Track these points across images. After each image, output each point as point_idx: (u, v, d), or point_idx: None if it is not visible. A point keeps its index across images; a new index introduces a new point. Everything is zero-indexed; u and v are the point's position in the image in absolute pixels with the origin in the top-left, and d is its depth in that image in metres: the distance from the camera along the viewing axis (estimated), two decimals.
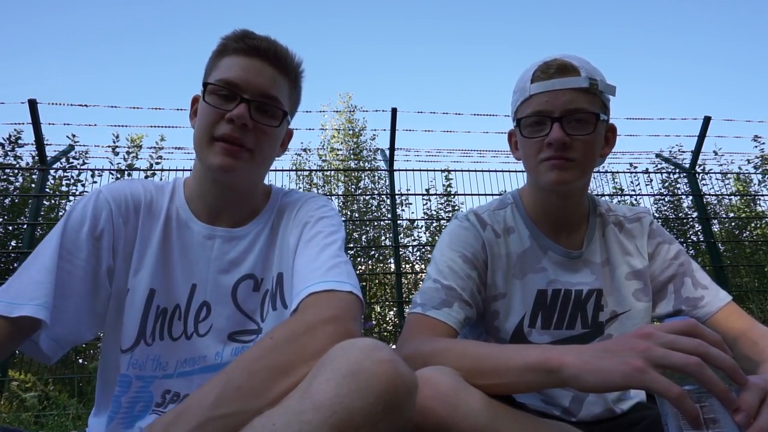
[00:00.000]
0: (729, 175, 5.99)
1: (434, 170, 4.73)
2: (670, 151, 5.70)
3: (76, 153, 4.91)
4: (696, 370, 0.53)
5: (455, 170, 4.70)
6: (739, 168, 6.09)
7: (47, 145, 3.98)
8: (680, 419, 0.57)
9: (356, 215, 5.46)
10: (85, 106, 4.08)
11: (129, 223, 0.86)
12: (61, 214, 4.81)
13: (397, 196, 4.39)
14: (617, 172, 5.28)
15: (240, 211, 0.92)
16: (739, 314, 0.96)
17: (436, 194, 5.10)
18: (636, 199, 5.30)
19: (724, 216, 5.88)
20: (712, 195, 5.79)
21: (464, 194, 4.55)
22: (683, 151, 5.51)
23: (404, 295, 4.22)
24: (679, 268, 1.03)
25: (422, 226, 5.47)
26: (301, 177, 5.26)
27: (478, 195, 4.44)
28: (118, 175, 4.81)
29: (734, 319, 0.95)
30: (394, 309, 4.74)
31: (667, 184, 5.89)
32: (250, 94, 0.84)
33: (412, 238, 5.53)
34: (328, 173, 5.60)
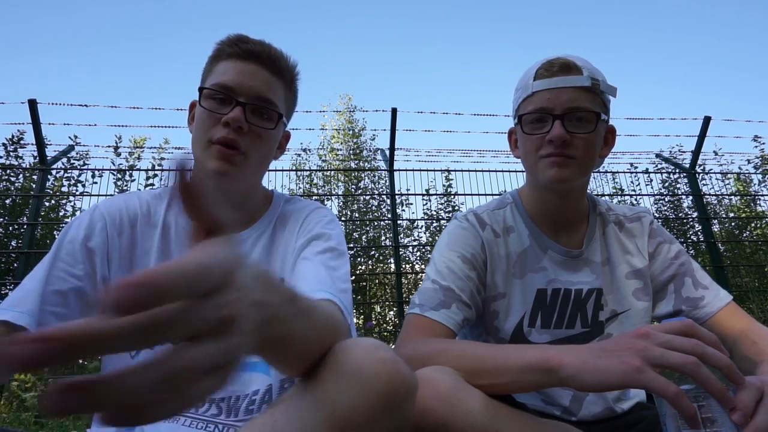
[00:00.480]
0: (729, 175, 5.99)
1: (434, 170, 4.73)
2: (670, 151, 5.69)
3: (77, 153, 4.91)
4: (693, 370, 0.53)
5: (455, 170, 4.71)
6: (739, 168, 6.09)
7: (47, 145, 3.98)
8: (678, 419, 0.57)
9: (356, 215, 5.46)
10: (85, 106, 4.08)
11: (123, 235, 0.87)
12: (61, 214, 4.82)
13: (397, 196, 4.40)
14: (617, 172, 5.28)
15: (239, 216, 0.92)
16: (740, 314, 0.96)
17: (436, 194, 5.10)
18: (636, 199, 5.31)
19: (724, 216, 5.88)
20: (712, 195, 5.79)
21: (464, 194, 4.55)
22: (683, 151, 5.51)
23: (404, 295, 4.22)
24: (679, 268, 1.04)
25: (422, 226, 5.47)
26: (301, 177, 5.26)
27: (478, 195, 4.44)
28: (120, 176, 4.81)
29: (735, 319, 0.95)
30: (394, 309, 4.74)
31: (667, 184, 5.89)
32: (245, 98, 0.85)
33: (412, 238, 5.54)
34: (327, 173, 5.60)
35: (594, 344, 0.64)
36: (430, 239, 5.23)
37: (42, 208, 3.91)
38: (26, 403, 2.67)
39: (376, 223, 5.48)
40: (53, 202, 4.71)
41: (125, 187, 4.84)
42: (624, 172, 5.25)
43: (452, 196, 5.24)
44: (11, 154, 5.13)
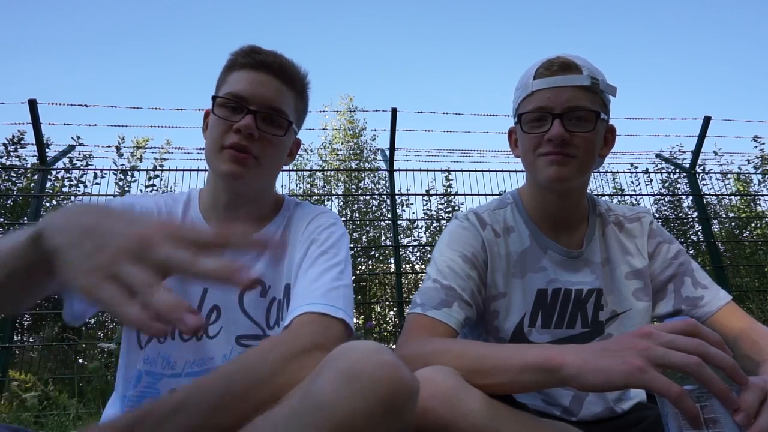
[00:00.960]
0: (729, 175, 5.99)
1: (434, 170, 4.73)
2: (670, 151, 5.70)
3: (79, 154, 4.91)
4: (696, 370, 0.53)
5: (455, 170, 4.70)
6: (739, 168, 6.09)
7: (48, 145, 3.98)
8: (680, 419, 0.57)
9: (356, 215, 5.46)
10: (85, 106, 4.08)
11: None
12: None
13: (397, 197, 4.39)
14: (617, 172, 5.28)
15: (250, 219, 0.95)
16: (739, 314, 0.96)
17: (436, 194, 5.10)
18: (636, 199, 5.31)
19: (724, 216, 5.88)
20: (712, 195, 5.79)
21: (464, 194, 4.55)
22: (683, 151, 5.51)
23: (404, 295, 4.22)
24: (679, 268, 1.04)
25: (422, 226, 5.47)
26: (301, 177, 5.26)
27: (478, 195, 4.45)
28: (121, 176, 4.81)
29: (734, 319, 0.95)
30: (394, 309, 4.74)
31: (667, 184, 5.89)
32: (257, 106, 0.89)
33: (412, 238, 5.54)
34: (328, 173, 5.60)
35: (596, 344, 0.64)
36: (430, 239, 5.23)
37: (42, 209, 3.91)
38: (26, 404, 2.67)
39: (376, 223, 5.48)
40: (54, 202, 4.70)
41: (127, 188, 4.84)
42: (624, 172, 5.26)
43: (452, 196, 5.24)
44: (11, 154, 5.13)
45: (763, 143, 6.16)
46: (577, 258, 1.02)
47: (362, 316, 4.81)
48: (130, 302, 0.39)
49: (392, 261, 4.47)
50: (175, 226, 0.45)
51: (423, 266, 4.97)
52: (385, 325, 5.05)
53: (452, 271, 0.95)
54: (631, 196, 5.29)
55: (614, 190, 5.44)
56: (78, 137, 4.45)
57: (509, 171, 4.54)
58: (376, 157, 6.58)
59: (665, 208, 5.83)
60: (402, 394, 0.53)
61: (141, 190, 4.61)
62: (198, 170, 4.18)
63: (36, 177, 3.97)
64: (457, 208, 5.32)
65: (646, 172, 5.29)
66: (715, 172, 5.66)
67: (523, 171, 1.08)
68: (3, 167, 5.07)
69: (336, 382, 0.52)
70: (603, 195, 5.17)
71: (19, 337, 4.84)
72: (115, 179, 4.79)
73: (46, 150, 3.94)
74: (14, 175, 5.07)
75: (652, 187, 5.44)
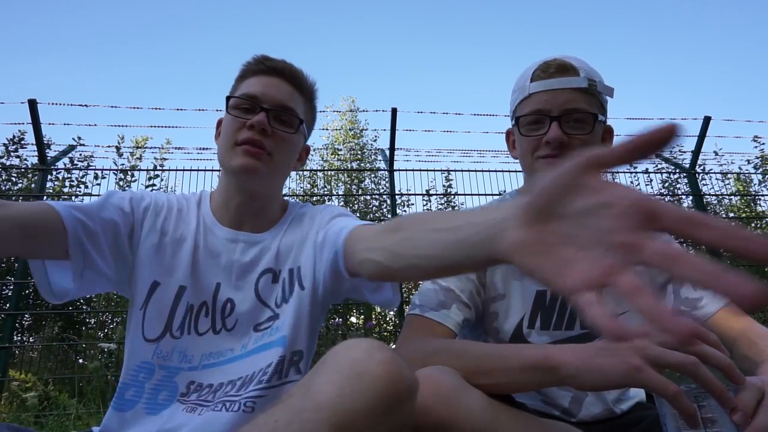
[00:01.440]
0: (729, 175, 5.99)
1: (434, 170, 4.73)
2: (671, 151, 5.69)
3: (80, 154, 4.91)
4: (693, 369, 0.53)
5: (455, 170, 4.71)
6: (739, 168, 6.09)
7: (48, 145, 3.98)
8: (678, 419, 0.57)
9: (357, 215, 5.45)
10: (86, 106, 4.08)
11: (160, 218, 0.93)
12: None
13: (397, 197, 4.40)
14: (617, 172, 5.28)
15: (261, 220, 0.98)
16: (738, 315, 0.96)
17: (436, 194, 5.10)
18: None
19: (724, 216, 5.88)
20: (712, 195, 5.79)
21: (464, 194, 4.55)
22: (683, 151, 5.51)
23: (404, 295, 4.22)
24: None
25: None
26: (302, 177, 5.27)
27: (478, 195, 4.45)
28: (122, 176, 4.81)
29: (733, 320, 0.95)
30: (394, 309, 4.74)
31: (667, 184, 5.89)
32: (269, 105, 0.93)
33: None
34: (328, 173, 5.60)
35: (594, 344, 0.64)
36: None
37: None
38: (26, 403, 2.67)
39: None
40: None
41: (127, 188, 4.84)
42: (624, 172, 5.25)
43: (452, 197, 5.24)
44: (12, 154, 5.13)
45: (763, 143, 6.16)
46: None
47: (362, 316, 4.81)
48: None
49: None
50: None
51: None
52: (385, 325, 5.05)
53: None
54: None
55: None
56: (78, 137, 4.45)
57: (509, 171, 4.55)
58: (376, 157, 6.58)
59: None
60: (402, 391, 0.54)
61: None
62: (198, 170, 4.19)
63: (36, 177, 3.97)
64: (457, 208, 5.32)
65: (646, 172, 5.29)
66: (715, 172, 5.67)
67: (522, 171, 1.07)
68: (3, 167, 5.08)
69: (337, 381, 0.52)
70: None
71: (19, 337, 4.85)
72: (116, 179, 4.79)
73: (47, 150, 3.94)
74: (14, 175, 5.08)
75: (652, 187, 5.44)
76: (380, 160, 5.69)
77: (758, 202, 6.04)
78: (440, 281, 0.94)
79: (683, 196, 5.60)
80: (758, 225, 5.67)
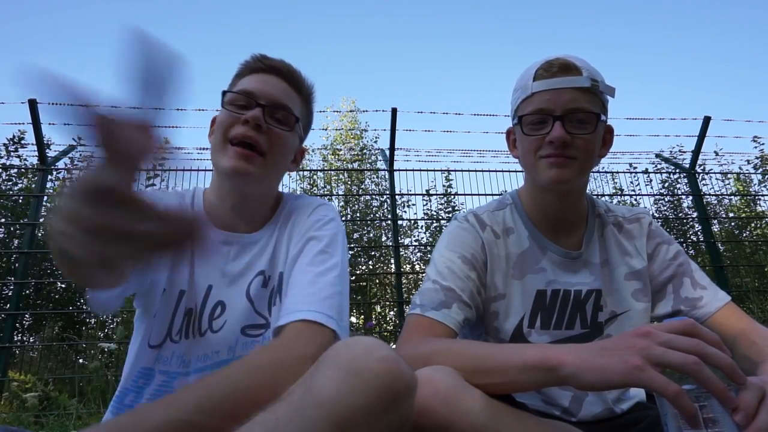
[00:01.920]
0: (729, 175, 5.99)
1: (434, 170, 4.73)
2: (670, 151, 5.69)
3: (80, 154, 4.90)
4: (694, 369, 0.53)
5: (455, 170, 4.70)
6: (739, 168, 6.09)
7: (48, 145, 3.98)
8: (679, 419, 0.57)
9: (357, 215, 5.46)
10: (86, 106, 4.06)
11: None
12: None
13: (397, 197, 4.39)
14: (617, 172, 5.27)
15: (254, 219, 0.96)
16: (738, 314, 0.96)
17: (436, 194, 5.10)
18: (636, 200, 5.30)
19: (724, 216, 5.88)
20: (712, 195, 5.79)
21: (464, 194, 4.55)
22: (683, 152, 5.51)
23: (404, 295, 4.22)
24: (678, 269, 1.04)
25: (422, 226, 5.47)
26: (302, 177, 5.26)
27: (478, 195, 4.44)
28: None
29: (733, 320, 0.95)
30: (395, 309, 4.74)
31: (667, 184, 5.89)
32: (265, 101, 0.91)
33: (413, 238, 5.54)
34: (329, 173, 5.60)
35: (594, 343, 0.64)
36: (431, 239, 5.23)
37: (43, 209, 3.91)
38: (26, 404, 2.67)
39: (376, 224, 5.48)
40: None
41: None
42: (624, 172, 5.25)
43: (452, 197, 5.24)
44: (12, 154, 5.13)
45: (763, 143, 6.17)
46: (576, 259, 1.02)
47: (362, 316, 4.81)
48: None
49: (392, 261, 4.47)
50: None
51: (423, 266, 4.97)
52: (385, 325, 5.05)
53: (451, 272, 0.95)
54: (630, 196, 5.29)
55: (614, 191, 5.43)
56: (79, 137, 4.43)
57: (509, 171, 4.54)
58: (377, 157, 6.58)
59: (665, 208, 5.83)
60: (401, 389, 0.54)
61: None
62: (198, 170, 4.19)
63: (36, 177, 3.97)
64: (457, 208, 5.32)
65: (646, 172, 5.28)
66: (715, 172, 5.66)
67: (522, 171, 1.07)
68: (3, 167, 5.08)
69: (337, 378, 0.53)
70: (603, 195, 5.17)
71: (19, 337, 4.85)
72: None
73: (47, 150, 3.94)
74: (14, 175, 5.07)
75: (651, 187, 5.43)
76: (380, 160, 5.69)
77: (758, 202, 6.05)
78: (441, 281, 0.94)
79: (683, 196, 5.60)
80: (758, 225, 5.67)
